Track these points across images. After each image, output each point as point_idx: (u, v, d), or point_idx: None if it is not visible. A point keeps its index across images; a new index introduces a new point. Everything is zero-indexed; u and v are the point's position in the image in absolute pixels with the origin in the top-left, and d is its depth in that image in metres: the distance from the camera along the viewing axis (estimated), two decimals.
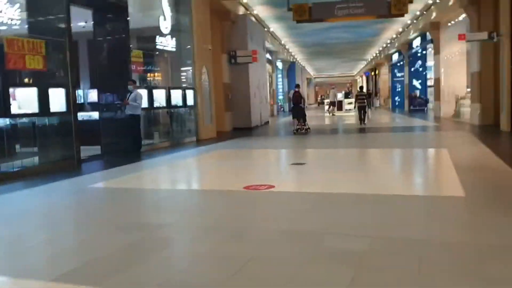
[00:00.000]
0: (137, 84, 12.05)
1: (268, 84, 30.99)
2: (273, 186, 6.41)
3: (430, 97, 27.47)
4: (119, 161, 9.80)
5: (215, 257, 3.70)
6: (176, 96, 13.94)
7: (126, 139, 11.35)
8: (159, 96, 13.14)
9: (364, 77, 59.97)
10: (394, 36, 30.83)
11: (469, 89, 20.00)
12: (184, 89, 14.41)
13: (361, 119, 19.72)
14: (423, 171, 8.15)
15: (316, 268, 3.34)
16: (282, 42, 32.47)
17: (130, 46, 12.04)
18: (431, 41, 23.48)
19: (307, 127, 16.84)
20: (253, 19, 21.93)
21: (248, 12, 20.66)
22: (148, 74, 14.42)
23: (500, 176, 6.94)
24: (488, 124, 15.71)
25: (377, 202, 5.47)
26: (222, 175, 8.26)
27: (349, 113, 27.59)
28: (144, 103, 11.93)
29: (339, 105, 30.58)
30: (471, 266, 3.33)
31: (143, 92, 11.93)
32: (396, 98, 36.60)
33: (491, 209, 4.95)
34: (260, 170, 8.77)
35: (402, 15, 14.91)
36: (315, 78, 71.07)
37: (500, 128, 14.18)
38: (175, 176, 8.70)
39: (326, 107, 31.71)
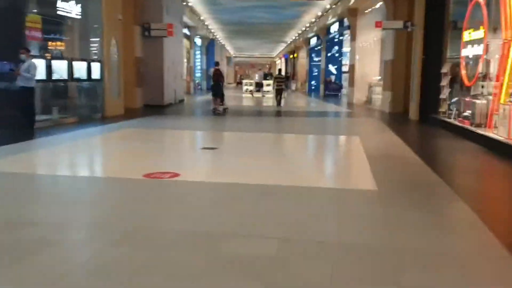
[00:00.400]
0: (32, 53, 10.69)
1: (185, 60, 29.94)
2: (178, 175, 5.79)
3: (345, 82, 28.04)
4: (6, 139, 8.58)
5: (93, 268, 3.03)
6: (80, 69, 12.67)
7: (17, 113, 10.05)
8: (60, 68, 11.83)
9: (283, 59, 60.41)
10: (314, 20, 31.00)
11: (379, 77, 20.58)
12: (89, 62, 13.15)
13: (278, 101, 19.98)
14: (337, 161, 7.93)
15: (211, 281, 2.81)
16: (202, 17, 31.41)
17: (25, 9, 10.62)
18: (348, 27, 23.78)
19: (225, 106, 16.65)
20: None
21: None
22: (49, 43, 12.98)
23: (411, 167, 6.87)
24: (398, 112, 16.14)
25: (287, 195, 5.06)
26: (122, 159, 7.45)
27: (267, 95, 27.39)
28: (41, 75, 10.64)
29: (258, 86, 30.31)
30: (387, 273, 2.99)
31: (39, 63, 10.62)
32: (313, 82, 37.13)
33: (404, 205, 4.74)
34: (166, 155, 8.06)
35: None
36: (235, 57, 70.47)
37: (409, 116, 14.57)
38: (67, 159, 7.68)
39: (245, 87, 31.31)
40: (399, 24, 14.34)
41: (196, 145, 9.73)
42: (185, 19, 26.28)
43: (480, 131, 9.40)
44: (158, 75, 18.31)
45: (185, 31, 29.01)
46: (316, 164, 7.54)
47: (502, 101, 9.10)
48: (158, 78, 18.31)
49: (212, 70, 17.83)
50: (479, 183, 6.35)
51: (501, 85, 9.24)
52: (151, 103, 17.83)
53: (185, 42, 30.10)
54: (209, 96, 17.38)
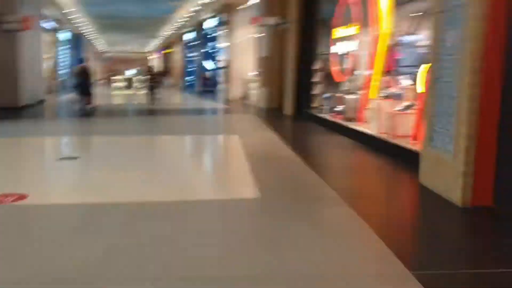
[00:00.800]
0: None
1: (46, 56, 27.24)
2: (24, 197, 4.74)
3: (221, 78, 27.75)
4: None
5: None
6: None
7: None
8: None
9: (158, 55, 58.58)
10: (188, 15, 30.18)
11: (255, 73, 20.61)
12: None
13: (152, 99, 19.13)
14: (217, 166, 7.39)
15: None
16: (67, 10, 28.80)
17: None
18: (224, 23, 23.45)
19: (93, 105, 15.46)
20: None
21: None
22: None
23: (291, 167, 6.60)
24: (274, 108, 16.15)
25: (158, 215, 4.36)
26: None
27: (140, 92, 26.00)
28: None
29: (129, 83, 28.74)
30: None
31: None
32: (189, 78, 36.35)
33: (288, 214, 4.35)
34: (13, 171, 6.57)
35: None
36: (106, 52, 66.65)
37: (284, 112, 14.61)
38: None
39: (116, 84, 29.49)
40: (274, 20, 14.26)
41: (53, 156, 8.31)
42: (46, 11, 23.79)
43: (352, 125, 9.56)
44: (11, 73, 16.10)
45: (47, 24, 26.31)
46: (195, 172, 6.87)
47: (372, 96, 9.35)
48: (11, 77, 16.09)
49: (78, 67, 16.61)
50: (358, 181, 6.25)
51: (370, 80, 9.48)
52: (2, 105, 15.60)
53: (48, 36, 27.35)
54: (75, 95, 15.88)
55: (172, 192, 5.23)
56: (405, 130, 7.98)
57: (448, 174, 4.85)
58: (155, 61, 59.29)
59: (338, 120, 10.49)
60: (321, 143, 9.21)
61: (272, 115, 14.53)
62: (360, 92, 10.22)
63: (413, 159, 6.58)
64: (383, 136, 8.09)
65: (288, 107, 14.25)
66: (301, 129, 11.47)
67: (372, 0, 9.48)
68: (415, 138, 7.55)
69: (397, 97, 8.39)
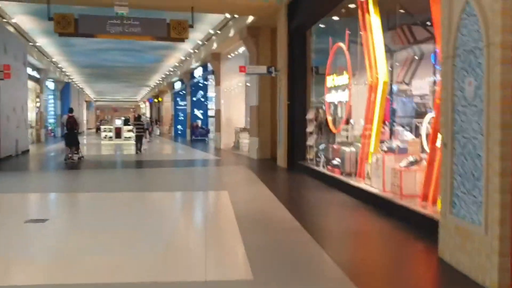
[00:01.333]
0: None
1: (34, 105, 26.61)
2: None
3: (211, 127, 27.17)
4: None
5: None
6: None
7: None
8: None
9: (148, 104, 58.31)
10: (177, 64, 29.98)
11: (246, 122, 20.06)
12: None
13: (139, 149, 18.51)
14: (204, 234, 6.34)
15: None
16: (54, 59, 28.46)
17: None
18: (212, 72, 23.09)
19: (80, 155, 15.41)
20: (11, 29, 18.10)
21: (4, 20, 16.86)
22: None
23: (288, 235, 5.73)
24: (266, 159, 15.43)
25: None
26: None
27: (128, 141, 25.26)
28: None
29: (118, 133, 27.97)
30: None
31: None
32: (179, 127, 35.78)
33: None
34: None
35: (183, 40, 13.56)
36: (96, 101, 66.37)
37: (277, 163, 13.86)
38: None
39: (104, 133, 28.72)
40: (262, 69, 13.78)
41: (20, 217, 7.00)
42: (32, 60, 23.34)
43: (352, 182, 8.78)
44: None
45: (34, 73, 25.83)
46: (180, 242, 5.86)
47: (373, 149, 8.64)
48: None
49: (65, 117, 16.33)
50: (367, 254, 5.38)
51: (370, 131, 8.80)
52: None
53: (34, 85, 26.81)
54: (62, 145, 15.49)
55: (153, 270, 4.34)
56: (412, 188, 7.22)
57: (478, 251, 4.04)
58: (146, 110, 59.01)
59: (336, 174, 9.72)
60: (320, 201, 8.37)
61: (264, 167, 13.76)
62: (358, 144, 9.52)
63: (427, 225, 5.79)
64: (388, 196, 7.30)
65: (281, 159, 13.51)
66: (296, 184, 10.65)
67: (367, 47, 8.95)
68: (425, 198, 6.78)
69: (401, 151, 7.69)
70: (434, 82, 13.42)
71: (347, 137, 10.97)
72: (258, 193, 8.91)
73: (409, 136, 7.77)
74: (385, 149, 7.88)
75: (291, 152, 13.16)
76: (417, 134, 12.06)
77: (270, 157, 15.32)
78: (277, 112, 14.16)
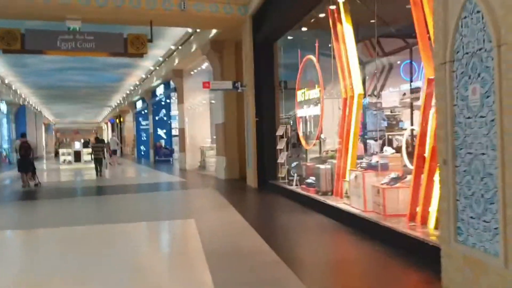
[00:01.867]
0: None
1: None
2: None
3: (176, 147, 26.18)
4: None
5: None
6: None
7: None
8: None
9: (110, 124, 56.58)
10: (138, 82, 28.97)
11: (211, 141, 19.28)
12: None
13: (99, 172, 17.48)
14: (165, 275, 5.46)
15: None
16: (6, 81, 26.94)
17: None
18: (175, 89, 22.24)
19: (36, 182, 14.55)
20: None
21: None
22: None
23: (267, 271, 4.97)
24: (235, 179, 14.66)
25: None
26: None
27: (89, 165, 23.93)
28: None
29: (78, 156, 26.55)
30: None
31: None
32: (142, 148, 34.55)
33: None
34: None
35: (141, 56, 12.72)
36: (55, 124, 63.97)
37: (247, 183, 13.11)
38: None
39: (63, 158, 27.25)
40: (228, 84, 13.09)
41: None
42: None
43: (329, 201, 8.13)
44: None
45: None
46: (139, 284, 5.01)
47: (350, 166, 8.04)
48: None
49: (18, 142, 15.28)
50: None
51: (346, 147, 8.22)
52: None
53: None
54: (16, 171, 14.51)
55: None
56: (396, 207, 6.63)
57: (498, 287, 3.41)
58: (107, 131, 57.34)
59: (311, 194, 9.06)
60: (297, 225, 7.64)
61: (233, 188, 12.98)
62: (333, 161, 8.92)
63: (419, 250, 5.17)
64: (371, 216, 6.67)
65: (251, 178, 12.77)
66: (269, 206, 9.90)
67: (339, 58, 8.41)
68: (412, 218, 6.19)
69: (382, 167, 7.10)
70: (404, 94, 13.13)
71: (320, 153, 10.40)
72: (228, 219, 8.12)
73: (389, 151, 7.20)
74: (364, 165, 7.27)
75: (261, 171, 12.45)
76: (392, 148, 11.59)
77: (239, 176, 14.56)
78: (245, 129, 13.46)
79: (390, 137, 10.87)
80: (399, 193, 6.65)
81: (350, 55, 8.06)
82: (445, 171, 4.07)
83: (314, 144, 10.14)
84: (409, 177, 6.78)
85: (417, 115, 13.05)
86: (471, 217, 3.73)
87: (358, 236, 6.48)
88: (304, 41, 11.10)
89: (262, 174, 12.38)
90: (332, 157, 9.46)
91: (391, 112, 12.56)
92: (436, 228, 5.56)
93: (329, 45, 9.16)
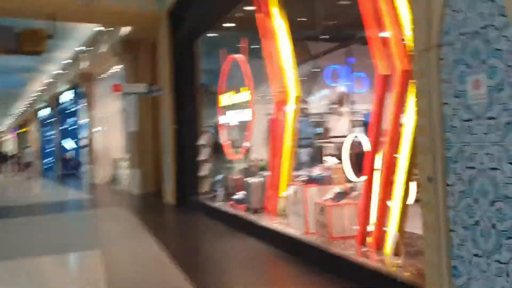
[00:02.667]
0: None
1: None
2: None
3: (84, 159, 23.83)
4: None
5: None
6: None
7: None
8: None
9: (13, 135, 51.57)
10: (42, 88, 26.20)
11: (125, 152, 17.52)
12: None
13: None
14: None
15: None
16: None
17: None
18: (83, 95, 20.11)
19: None
20: None
21: None
22: None
23: None
24: (150, 194, 13.09)
25: None
26: None
27: None
28: None
29: None
30: None
31: None
32: (47, 160, 31.39)
33: None
34: None
35: (39, 53, 10.81)
36: None
37: (164, 200, 11.63)
38: None
39: None
40: (142, 87, 11.58)
41: None
42: None
43: (262, 221, 7.00)
44: None
45: None
46: None
47: (286, 178, 6.97)
48: None
49: None
50: None
51: (280, 157, 7.15)
52: None
53: None
54: None
55: None
56: (342, 228, 5.65)
57: None
58: (10, 142, 52.31)
59: (240, 212, 7.89)
60: (227, 255, 6.35)
61: (149, 206, 11.48)
62: (264, 173, 7.82)
63: (381, 285, 4.19)
64: (315, 240, 5.63)
65: (169, 194, 11.31)
66: (191, 229, 8.51)
67: (271, 57, 7.36)
68: (362, 241, 5.23)
69: (324, 181, 6.10)
70: (332, 100, 12.42)
71: (249, 164, 9.29)
72: (142, 249, 6.68)
73: (331, 161, 6.22)
74: (305, 178, 6.23)
75: (181, 185, 11.04)
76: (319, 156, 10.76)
77: (155, 191, 13.02)
78: (161, 138, 12.00)
79: (320, 145, 10.06)
80: (345, 211, 5.69)
81: (284, 52, 7.03)
82: (431, 191, 3.07)
83: (242, 154, 9.01)
84: (356, 192, 5.87)
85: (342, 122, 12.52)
86: (476, 255, 2.75)
87: (301, 266, 5.39)
88: (230, 39, 9.96)
89: (182, 188, 10.98)
90: (263, 168, 8.38)
91: (319, 118, 11.82)
92: (396, 254, 4.64)
93: (259, 44, 8.13)
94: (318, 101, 12.90)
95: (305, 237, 5.86)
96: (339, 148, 10.44)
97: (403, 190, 4.60)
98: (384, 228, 4.90)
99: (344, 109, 12.31)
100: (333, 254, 5.09)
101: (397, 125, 4.73)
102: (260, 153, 10.53)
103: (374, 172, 5.11)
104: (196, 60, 11.23)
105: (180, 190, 10.99)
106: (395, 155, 4.79)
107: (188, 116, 11.10)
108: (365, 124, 12.37)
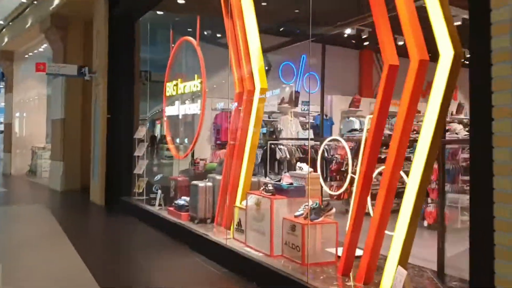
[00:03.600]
0: None
1: None
2: None
3: (0, 146, 20.97)
4: None
5: None
6: None
7: None
8: None
9: None
10: None
11: (47, 141, 15.34)
12: None
13: None
14: None
15: None
16: None
17: None
18: (2, 75, 17.47)
19: None
20: None
21: None
22: None
23: None
24: (75, 191, 11.22)
25: None
26: None
27: None
28: None
29: None
30: None
31: None
32: None
33: None
34: None
35: None
36: None
37: (90, 199, 9.88)
38: None
39: None
40: (71, 69, 9.73)
41: None
42: None
43: (213, 236, 5.65)
44: None
45: None
46: None
47: (244, 185, 5.66)
48: None
49: None
50: None
51: (239, 158, 5.84)
52: None
53: None
54: None
55: None
56: (317, 252, 4.46)
57: None
58: None
59: (184, 221, 6.47)
60: (168, 276, 4.94)
61: (72, 205, 9.68)
62: (216, 176, 6.46)
63: None
64: (282, 266, 4.39)
65: (97, 193, 9.57)
66: (123, 237, 6.93)
67: (233, 40, 6.03)
68: (345, 271, 4.06)
69: (295, 192, 4.87)
70: (283, 99, 11.32)
71: (191, 163, 7.93)
72: (59, 264, 5.09)
73: (305, 168, 5.01)
74: (271, 187, 4.96)
75: (111, 183, 9.36)
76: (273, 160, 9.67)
77: (81, 188, 11.18)
78: (92, 129, 10.23)
79: (273, 146, 8.94)
80: (323, 231, 4.50)
81: (250, 35, 5.72)
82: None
83: (189, 152, 7.60)
84: (333, 209, 4.71)
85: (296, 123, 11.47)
86: None
87: None
88: (181, 19, 8.51)
89: (112, 187, 9.32)
90: (212, 169, 7.03)
91: (268, 117, 10.72)
92: None
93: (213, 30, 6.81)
94: (268, 100, 11.69)
95: (270, 260, 4.61)
96: (289, 151, 9.43)
97: (412, 212, 3.49)
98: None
99: (295, 109, 11.29)
100: None
101: (406, 130, 3.61)
102: (203, 153, 9.21)
103: (368, 186, 3.98)
104: (138, 42, 9.63)
105: (110, 189, 9.30)
106: (400, 168, 3.70)
107: (124, 105, 9.47)
108: (314, 127, 11.49)
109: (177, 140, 8.29)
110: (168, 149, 9.38)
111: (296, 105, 11.15)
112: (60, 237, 6.33)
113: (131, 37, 9.53)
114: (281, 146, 9.11)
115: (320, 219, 4.51)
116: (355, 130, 11.34)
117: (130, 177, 8.89)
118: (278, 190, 4.91)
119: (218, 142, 9.88)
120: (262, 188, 5.02)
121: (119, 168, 9.26)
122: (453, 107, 11.95)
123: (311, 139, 10.31)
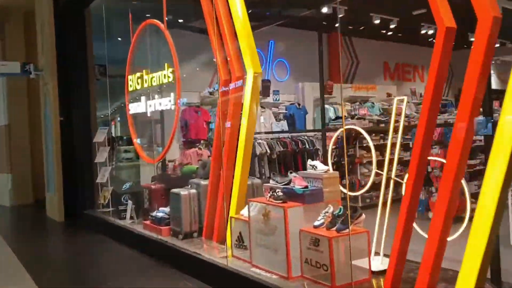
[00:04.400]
0: None
1: None
2: None
3: None
4: None
5: None
6: None
7: None
8: None
9: None
10: None
11: None
12: None
13: None
14: None
15: None
16: None
17: None
18: None
19: None
20: None
21: None
22: None
23: None
24: (27, 205, 9.75)
25: None
26: None
27: None
28: None
29: None
30: None
31: None
32: None
33: None
34: None
35: None
36: None
37: (47, 214, 8.49)
38: None
39: None
40: (13, 67, 8.24)
41: None
42: None
43: (207, 256, 4.58)
44: None
45: None
46: None
47: (239, 190, 4.62)
48: None
49: None
50: None
51: (230, 158, 4.79)
52: None
53: None
54: None
55: None
56: (347, 269, 3.53)
57: None
58: None
59: (164, 236, 5.35)
60: None
61: (25, 224, 8.26)
62: (203, 182, 5.37)
63: None
64: None
65: (54, 207, 8.19)
66: (96, 263, 5.68)
67: (218, 22, 4.94)
68: None
69: (313, 197, 3.90)
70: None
71: (166, 167, 6.82)
72: None
73: (320, 166, 4.04)
74: (280, 193, 3.95)
75: (70, 196, 8.02)
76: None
77: (34, 201, 9.73)
78: (42, 134, 8.80)
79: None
80: (353, 244, 3.57)
81: (237, 16, 4.65)
82: None
83: (162, 155, 6.46)
84: (363, 215, 3.78)
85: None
86: None
87: None
88: (139, 5, 7.29)
89: (72, 200, 7.98)
90: (192, 173, 5.93)
91: None
92: None
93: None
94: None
95: (288, 284, 3.64)
96: (269, 145, 8.47)
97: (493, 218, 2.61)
98: None
99: (267, 99, 10.34)
100: None
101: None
102: (172, 154, 8.04)
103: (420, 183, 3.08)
104: (89, 33, 8.30)
105: (70, 202, 7.97)
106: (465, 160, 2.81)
107: (79, 106, 8.14)
108: (287, 117, 10.59)
109: (138, 141, 7.09)
110: (126, 151, 8.21)
111: (267, 94, 10.18)
112: (16, 270, 5.05)
113: (82, 27, 8.20)
114: (260, 141, 8.14)
115: (348, 229, 3.57)
116: (331, 119, 10.50)
117: (92, 187, 7.64)
118: (290, 195, 3.92)
119: (184, 140, 8.73)
120: (269, 195, 4.00)
121: (79, 178, 7.95)
122: None
123: (286, 131, 9.44)
